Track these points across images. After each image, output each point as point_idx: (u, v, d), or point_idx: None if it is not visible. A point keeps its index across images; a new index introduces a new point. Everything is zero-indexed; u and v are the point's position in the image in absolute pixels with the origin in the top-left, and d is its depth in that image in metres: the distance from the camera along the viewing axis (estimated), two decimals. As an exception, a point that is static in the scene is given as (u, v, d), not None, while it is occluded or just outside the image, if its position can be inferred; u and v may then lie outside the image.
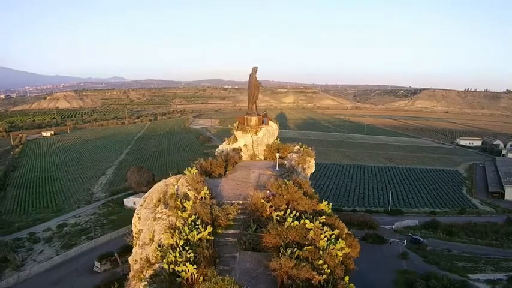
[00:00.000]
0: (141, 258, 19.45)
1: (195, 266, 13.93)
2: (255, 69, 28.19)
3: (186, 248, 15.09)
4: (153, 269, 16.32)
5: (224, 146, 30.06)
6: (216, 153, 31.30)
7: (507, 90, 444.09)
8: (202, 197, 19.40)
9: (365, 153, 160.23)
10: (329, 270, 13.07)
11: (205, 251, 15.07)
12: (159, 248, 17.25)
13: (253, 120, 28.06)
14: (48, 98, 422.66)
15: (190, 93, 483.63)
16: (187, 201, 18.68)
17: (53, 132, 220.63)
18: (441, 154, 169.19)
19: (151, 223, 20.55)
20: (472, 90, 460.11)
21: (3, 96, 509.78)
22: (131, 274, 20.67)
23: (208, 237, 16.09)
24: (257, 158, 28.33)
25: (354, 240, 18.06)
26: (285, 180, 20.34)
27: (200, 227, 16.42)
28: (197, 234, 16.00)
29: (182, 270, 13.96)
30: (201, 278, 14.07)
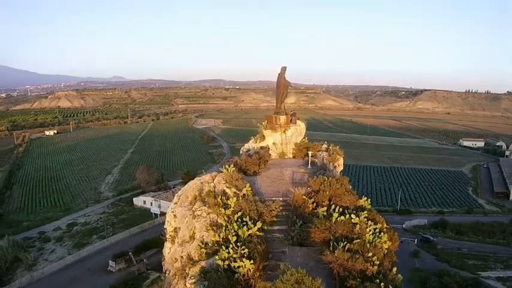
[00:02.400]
0: (181, 256, 19.47)
1: (251, 261, 14.17)
2: (283, 69, 28.32)
3: (238, 244, 15.31)
4: (201, 266, 16.38)
5: (251, 145, 30.14)
6: (241, 152, 31.38)
7: (508, 91, 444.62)
8: (244, 194, 19.57)
9: (369, 154, 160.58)
10: (378, 262, 13.47)
11: (258, 247, 15.28)
12: (202, 245, 17.34)
13: (283, 119, 28.27)
14: (49, 97, 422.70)
15: (192, 93, 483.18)
16: (231, 199, 18.83)
17: (56, 131, 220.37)
18: (445, 155, 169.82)
19: (191, 221, 20.52)
20: (473, 91, 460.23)
21: (4, 95, 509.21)
22: (171, 272, 20.63)
23: (258, 233, 16.27)
24: (286, 157, 28.52)
25: (394, 234, 18.41)
26: (325, 177, 20.57)
27: (249, 223, 16.62)
28: (247, 231, 16.22)
29: (239, 266, 14.19)
30: (257, 273, 14.30)
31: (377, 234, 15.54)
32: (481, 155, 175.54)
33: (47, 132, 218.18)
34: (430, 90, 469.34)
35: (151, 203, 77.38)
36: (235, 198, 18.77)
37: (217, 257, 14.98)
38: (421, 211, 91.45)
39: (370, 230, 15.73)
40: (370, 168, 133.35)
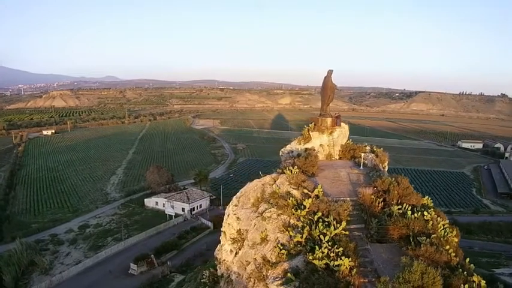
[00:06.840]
0: (255, 259, 19.48)
1: (350, 259, 14.62)
2: (330, 72, 28.62)
3: (329, 243, 15.70)
4: (284, 267, 16.53)
5: (294, 146, 30.29)
6: (280, 153, 31.51)
7: (501, 93, 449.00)
8: (316, 195, 19.83)
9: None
10: (454, 254, 14.49)
11: (350, 245, 15.74)
12: (280, 247, 17.48)
13: (329, 121, 28.67)
14: (44, 96, 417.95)
15: (187, 94, 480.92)
16: (306, 199, 19.05)
17: (53, 131, 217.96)
18: (445, 156, 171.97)
19: (260, 222, 20.44)
20: (467, 93, 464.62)
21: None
22: (244, 275, 20.56)
23: (343, 232, 16.67)
24: (333, 158, 28.87)
25: (456, 229, 19.27)
26: (389, 177, 21.06)
27: (334, 222, 17.00)
28: (334, 230, 16.60)
29: (338, 265, 14.57)
30: (354, 270, 14.73)
31: (447, 229, 16.77)
32: (480, 156, 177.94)
33: (44, 132, 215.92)
34: (424, 92, 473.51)
35: (163, 204, 76.91)
36: (310, 199, 19.02)
37: (310, 257, 15.27)
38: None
39: (440, 226, 16.92)
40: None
